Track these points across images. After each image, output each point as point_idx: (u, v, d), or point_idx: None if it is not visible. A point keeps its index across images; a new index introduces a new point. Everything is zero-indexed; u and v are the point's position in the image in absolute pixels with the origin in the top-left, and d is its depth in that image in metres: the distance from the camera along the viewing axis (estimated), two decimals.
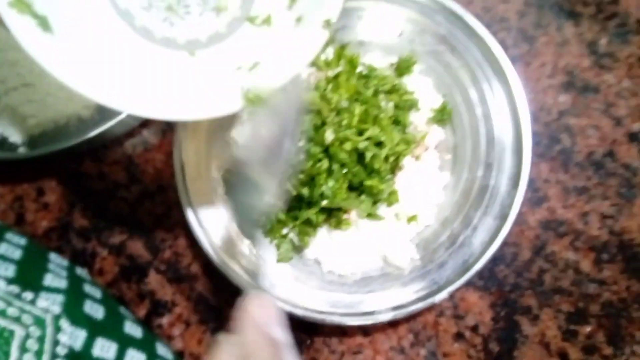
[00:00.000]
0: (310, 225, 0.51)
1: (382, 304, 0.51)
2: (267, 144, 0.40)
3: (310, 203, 0.49)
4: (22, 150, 0.56)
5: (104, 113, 0.58)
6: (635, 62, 0.61)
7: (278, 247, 0.52)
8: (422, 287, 0.51)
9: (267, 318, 0.37)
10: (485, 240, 0.51)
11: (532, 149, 0.51)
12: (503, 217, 0.51)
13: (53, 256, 0.48)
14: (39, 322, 0.39)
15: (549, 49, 0.61)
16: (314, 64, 0.56)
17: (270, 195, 0.41)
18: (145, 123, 0.59)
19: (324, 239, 0.53)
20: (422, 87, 0.56)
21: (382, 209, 0.53)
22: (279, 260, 0.51)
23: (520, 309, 0.56)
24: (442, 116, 0.55)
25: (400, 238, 0.53)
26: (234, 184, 0.53)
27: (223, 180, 0.54)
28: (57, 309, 0.41)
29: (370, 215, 0.52)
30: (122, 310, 0.51)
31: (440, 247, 0.53)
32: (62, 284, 0.44)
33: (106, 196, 0.58)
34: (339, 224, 0.52)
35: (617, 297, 0.56)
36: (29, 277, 0.42)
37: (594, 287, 0.56)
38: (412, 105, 0.54)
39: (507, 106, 0.53)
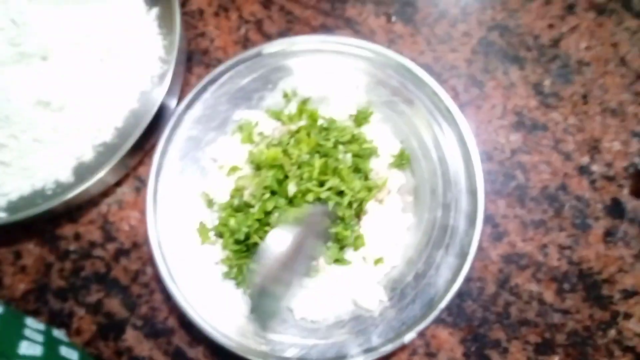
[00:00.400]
0: None
1: (354, 348, 0.52)
2: (282, 260, 0.43)
3: None
4: (1, 215, 0.58)
5: (80, 174, 0.60)
6: (579, 99, 0.65)
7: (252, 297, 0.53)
8: (391, 328, 0.52)
9: None
10: (448, 279, 0.53)
11: (489, 187, 0.55)
12: (463, 255, 0.53)
13: (29, 321, 0.48)
14: None
15: (497, 92, 0.65)
16: (278, 118, 0.59)
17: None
18: (120, 182, 0.61)
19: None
20: (380, 135, 0.59)
21: (349, 253, 0.55)
22: (252, 311, 0.53)
23: (490, 343, 0.57)
24: (401, 161, 0.59)
25: (368, 281, 0.55)
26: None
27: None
28: None
29: (338, 261, 0.54)
30: None
31: (407, 287, 0.54)
32: (38, 350, 0.44)
33: (82, 256, 0.59)
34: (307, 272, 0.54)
35: (582, 326, 0.58)
36: (3, 346, 0.42)
37: (559, 317, 0.58)
38: (371, 152, 0.58)
39: (459, 149, 0.56)
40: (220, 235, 0.55)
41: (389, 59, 0.59)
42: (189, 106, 0.58)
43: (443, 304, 0.51)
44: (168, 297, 0.58)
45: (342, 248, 0.55)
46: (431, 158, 0.58)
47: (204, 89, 0.58)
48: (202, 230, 0.56)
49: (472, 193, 0.55)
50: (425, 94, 0.58)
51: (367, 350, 0.51)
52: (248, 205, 0.54)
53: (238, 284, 0.55)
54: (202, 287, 0.54)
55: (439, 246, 0.55)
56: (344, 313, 0.55)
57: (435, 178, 0.57)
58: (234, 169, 0.57)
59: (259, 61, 0.59)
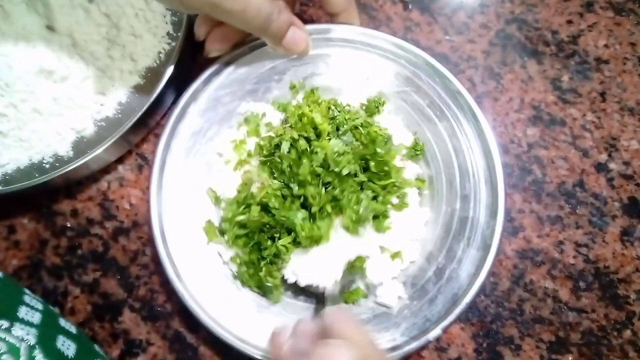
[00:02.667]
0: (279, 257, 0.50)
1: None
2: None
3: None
4: None
5: (79, 149, 0.57)
6: (597, 97, 0.64)
7: (268, 291, 0.51)
8: (415, 325, 0.50)
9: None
10: (471, 272, 0.51)
11: (504, 180, 0.52)
12: (486, 248, 0.51)
13: (28, 292, 0.46)
14: (14, 350, 0.38)
15: (514, 85, 0.64)
16: (284, 110, 0.56)
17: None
18: (122, 159, 0.59)
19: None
20: (392, 125, 0.57)
21: (365, 246, 0.52)
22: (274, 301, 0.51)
23: (502, 340, 0.55)
24: (415, 152, 0.56)
25: (385, 276, 0.52)
26: None
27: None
28: (32, 340, 0.40)
29: (353, 226, 0.51)
30: (97, 348, 0.49)
31: (428, 282, 0.52)
32: (36, 317, 0.42)
33: (79, 233, 0.57)
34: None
35: (597, 325, 0.56)
36: (3, 307, 0.40)
37: (574, 316, 0.56)
38: (387, 140, 0.55)
39: (475, 139, 0.54)
40: (222, 232, 0.52)
41: (401, 47, 0.57)
42: (193, 98, 0.55)
43: (468, 298, 0.49)
44: (168, 280, 0.55)
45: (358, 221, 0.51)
46: (447, 149, 0.55)
47: (208, 80, 0.55)
48: (209, 228, 0.52)
49: (492, 183, 0.53)
50: (437, 83, 0.56)
51: (393, 349, 0.48)
52: (255, 199, 0.51)
53: (245, 282, 0.52)
54: (204, 277, 0.51)
55: (459, 239, 0.52)
56: (363, 311, 0.52)
57: (452, 169, 0.55)
58: (240, 163, 0.54)
59: (265, 51, 0.56)
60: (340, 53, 0.58)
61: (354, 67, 0.58)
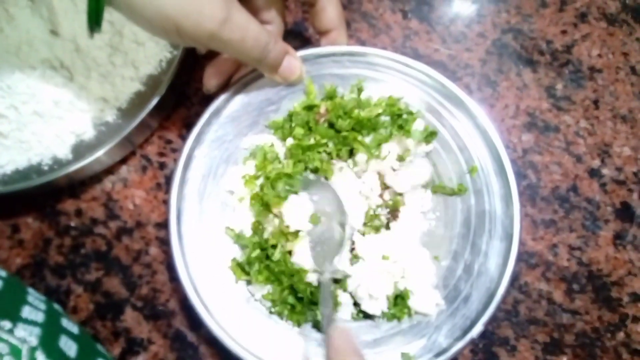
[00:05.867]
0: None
1: (422, 354, 0.49)
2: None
3: None
4: None
5: (78, 152, 0.58)
6: (590, 104, 0.65)
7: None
8: (455, 326, 0.50)
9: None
10: (500, 263, 0.51)
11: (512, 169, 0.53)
12: (508, 237, 0.52)
13: (31, 290, 0.47)
14: (15, 352, 0.38)
15: (510, 92, 0.65)
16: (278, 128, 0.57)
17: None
18: (126, 159, 0.60)
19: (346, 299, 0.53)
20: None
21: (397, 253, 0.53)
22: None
23: (498, 341, 0.56)
24: (430, 137, 0.56)
25: (422, 285, 0.52)
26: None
27: None
28: (34, 341, 0.40)
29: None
30: (99, 347, 0.49)
31: (460, 281, 0.52)
32: (39, 317, 0.43)
33: (83, 232, 0.57)
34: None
35: (591, 327, 0.57)
36: (7, 307, 0.41)
37: (568, 317, 0.57)
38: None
39: (478, 136, 0.55)
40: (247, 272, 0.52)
41: (388, 59, 0.57)
42: (197, 142, 0.54)
43: (502, 289, 0.50)
44: (170, 279, 0.56)
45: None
46: (451, 149, 0.56)
47: (209, 122, 0.55)
48: (236, 267, 0.52)
49: (501, 174, 0.54)
50: (433, 86, 0.57)
51: (438, 354, 0.49)
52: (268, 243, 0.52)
53: (283, 316, 0.52)
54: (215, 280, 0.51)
55: (481, 233, 0.53)
56: (402, 322, 0.52)
57: (459, 166, 0.56)
58: (242, 199, 0.54)
59: (258, 84, 0.56)
60: (333, 69, 0.58)
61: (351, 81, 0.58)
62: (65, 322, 0.46)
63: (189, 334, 0.55)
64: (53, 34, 0.60)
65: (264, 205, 0.52)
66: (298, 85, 0.57)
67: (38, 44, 0.58)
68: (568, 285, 0.58)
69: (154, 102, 0.56)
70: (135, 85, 0.61)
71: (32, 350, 0.39)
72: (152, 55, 0.62)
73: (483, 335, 0.55)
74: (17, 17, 0.58)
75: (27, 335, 0.40)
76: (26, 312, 0.42)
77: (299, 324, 0.51)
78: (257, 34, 0.47)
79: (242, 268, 0.51)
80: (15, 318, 0.40)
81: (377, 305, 0.51)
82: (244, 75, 0.56)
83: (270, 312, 0.52)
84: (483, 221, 0.54)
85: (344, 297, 0.52)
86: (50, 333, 0.42)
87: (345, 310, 0.52)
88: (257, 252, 0.51)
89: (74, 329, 0.46)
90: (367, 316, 0.52)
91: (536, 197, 0.61)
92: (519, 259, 0.58)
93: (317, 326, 0.51)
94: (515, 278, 0.58)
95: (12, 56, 0.57)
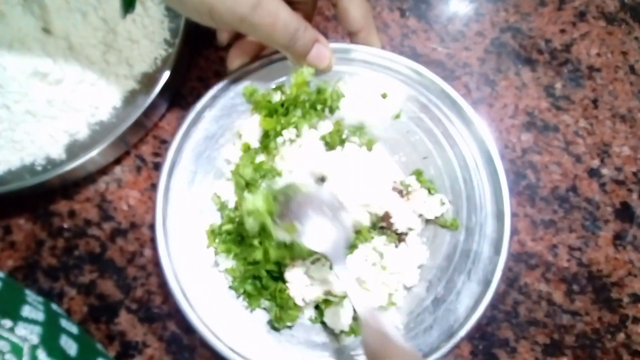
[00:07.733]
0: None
1: None
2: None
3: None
4: None
5: (72, 152, 0.57)
6: (589, 104, 0.65)
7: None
8: None
9: None
10: (469, 306, 0.50)
11: (512, 220, 0.51)
12: (486, 283, 0.50)
13: (28, 291, 0.46)
14: (17, 350, 0.38)
15: (509, 92, 0.65)
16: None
17: None
18: (120, 159, 0.59)
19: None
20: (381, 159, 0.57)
21: (367, 272, 0.51)
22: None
23: (498, 342, 0.56)
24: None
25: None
26: None
27: None
28: (35, 339, 0.40)
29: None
30: (99, 346, 0.49)
31: (425, 311, 0.51)
32: (40, 316, 0.42)
33: (76, 234, 0.56)
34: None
35: (591, 328, 0.56)
36: (7, 306, 0.40)
37: (568, 318, 0.57)
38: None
39: (488, 176, 0.53)
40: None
41: (418, 73, 0.56)
42: (209, 104, 0.54)
43: (463, 332, 0.48)
44: (165, 282, 0.55)
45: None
46: (456, 177, 0.55)
47: (226, 87, 0.55)
48: (212, 234, 0.52)
49: (499, 218, 0.52)
50: (453, 111, 0.55)
51: None
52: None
53: (248, 301, 0.51)
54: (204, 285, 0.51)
55: (460, 271, 0.52)
56: (352, 340, 0.51)
57: (460, 199, 0.54)
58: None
59: (274, 67, 0.55)
60: (358, 72, 0.57)
61: (368, 88, 0.57)
62: (65, 322, 0.46)
63: (184, 337, 0.54)
64: (45, 32, 0.59)
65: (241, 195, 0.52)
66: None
67: (30, 42, 0.57)
68: (568, 286, 0.58)
69: (149, 101, 0.55)
70: (130, 84, 0.60)
71: (33, 348, 0.39)
72: (146, 53, 0.61)
73: (482, 336, 0.55)
74: (8, 14, 0.57)
75: (28, 334, 0.40)
76: (26, 311, 0.41)
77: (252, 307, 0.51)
78: (287, 20, 0.47)
79: (216, 236, 0.52)
80: (16, 317, 0.40)
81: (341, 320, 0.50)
82: (269, 55, 0.55)
83: (230, 287, 0.51)
84: (466, 260, 0.52)
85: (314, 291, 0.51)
86: (50, 332, 0.42)
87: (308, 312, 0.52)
88: (228, 226, 0.51)
89: (74, 329, 0.46)
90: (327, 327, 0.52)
91: (535, 197, 0.61)
92: (518, 259, 0.58)
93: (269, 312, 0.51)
94: (514, 279, 0.58)
95: (4, 54, 0.56)
